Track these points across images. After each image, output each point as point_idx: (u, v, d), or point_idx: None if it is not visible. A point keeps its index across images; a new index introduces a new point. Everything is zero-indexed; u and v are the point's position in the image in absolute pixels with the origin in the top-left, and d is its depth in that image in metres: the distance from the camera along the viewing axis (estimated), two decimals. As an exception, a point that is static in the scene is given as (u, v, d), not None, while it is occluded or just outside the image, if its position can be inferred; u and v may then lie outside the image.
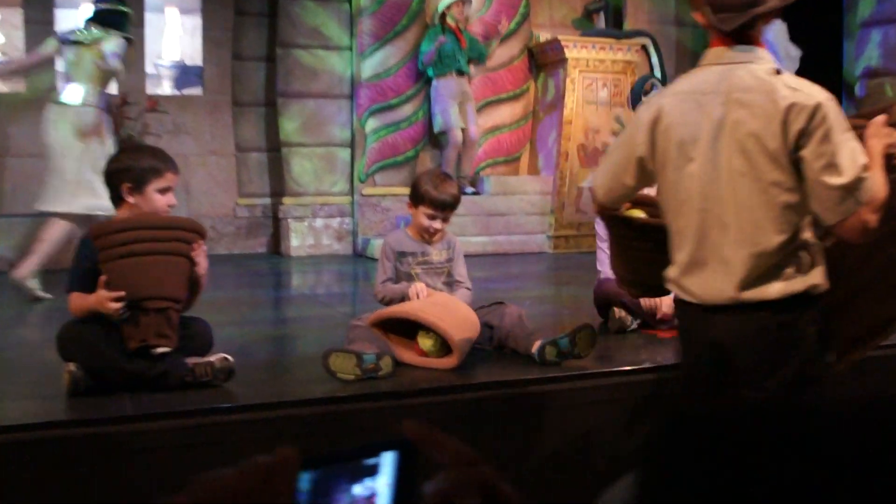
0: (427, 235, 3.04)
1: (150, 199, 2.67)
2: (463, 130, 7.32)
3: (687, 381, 2.15)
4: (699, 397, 2.02)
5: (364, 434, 2.41)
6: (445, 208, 3.00)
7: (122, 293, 2.47)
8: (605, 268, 3.58)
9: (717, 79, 2.00)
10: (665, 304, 3.38)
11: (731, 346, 1.98)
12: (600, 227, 3.59)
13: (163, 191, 2.69)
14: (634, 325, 3.45)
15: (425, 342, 2.80)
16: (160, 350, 2.50)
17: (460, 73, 7.23)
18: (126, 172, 2.67)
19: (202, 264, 2.62)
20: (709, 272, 2.00)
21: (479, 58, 7.42)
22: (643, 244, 2.37)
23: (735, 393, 2.00)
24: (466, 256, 3.26)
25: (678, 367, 2.22)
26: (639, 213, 2.42)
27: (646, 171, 2.13)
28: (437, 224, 3.01)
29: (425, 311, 2.78)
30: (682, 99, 2.04)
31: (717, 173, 1.98)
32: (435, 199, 2.99)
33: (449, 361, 2.82)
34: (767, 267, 1.95)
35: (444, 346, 2.81)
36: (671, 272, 2.10)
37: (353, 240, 7.56)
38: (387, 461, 0.60)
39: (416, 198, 3.05)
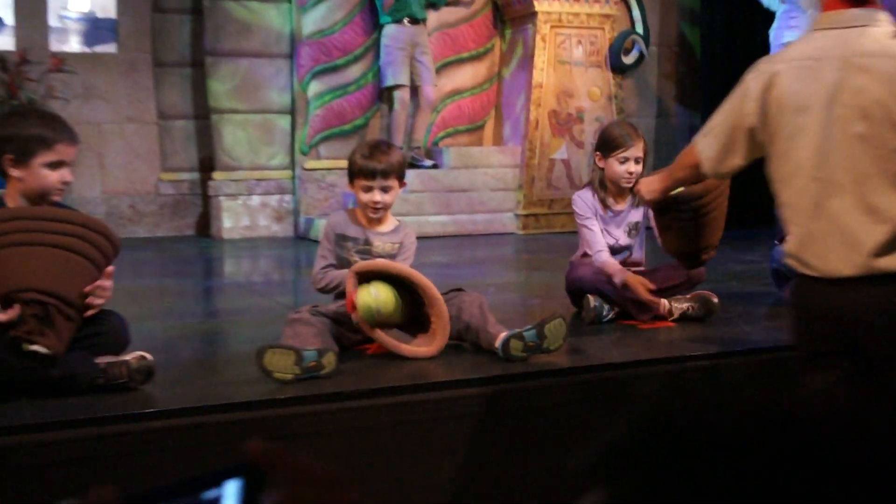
0: (371, 213, 3.03)
1: (37, 174, 2.57)
2: (415, 89, 7.29)
3: (808, 361, 2.24)
4: (823, 378, 2.12)
5: (304, 440, 2.39)
6: (376, 176, 2.98)
7: None
8: (585, 249, 3.59)
9: (832, 43, 2.11)
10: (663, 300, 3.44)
11: (862, 321, 2.09)
12: (579, 205, 3.60)
13: (53, 165, 2.58)
14: (611, 315, 3.47)
15: (365, 297, 2.76)
16: (35, 349, 2.37)
17: (414, 20, 7.15)
18: (7, 142, 2.57)
19: (105, 289, 2.52)
20: (830, 243, 2.12)
21: (436, 1, 7.37)
22: (686, 215, 2.94)
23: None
24: (423, 238, 3.25)
25: (794, 346, 2.31)
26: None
27: (755, 142, 2.27)
28: (375, 196, 3.00)
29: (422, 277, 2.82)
30: (796, 66, 2.16)
31: (833, 141, 2.09)
32: (363, 167, 2.99)
33: (427, 350, 2.85)
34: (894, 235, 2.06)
35: (386, 319, 2.80)
36: (789, 245, 2.23)
37: (294, 220, 7.51)
38: (230, 492, 0.57)
39: (350, 172, 3.05)
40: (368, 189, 3.00)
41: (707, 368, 2.95)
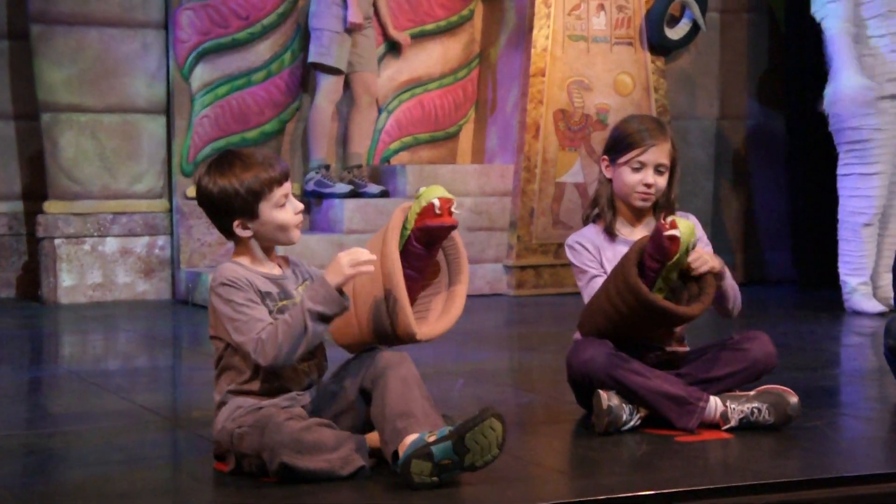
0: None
1: None
2: (353, 77, 7.39)
3: None
4: None
5: None
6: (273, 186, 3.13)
7: None
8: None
9: None
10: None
11: None
12: (577, 254, 3.64)
13: None
14: (635, 421, 3.48)
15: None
16: None
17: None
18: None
19: None
20: None
21: None
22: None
23: None
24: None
25: None
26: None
27: None
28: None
29: None
30: None
31: None
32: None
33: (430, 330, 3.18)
34: None
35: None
36: None
37: (171, 275, 7.52)
38: None
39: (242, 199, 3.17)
40: (284, 200, 3.13)
41: (783, 505, 2.98)
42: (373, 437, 3.03)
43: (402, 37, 7.80)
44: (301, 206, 3.17)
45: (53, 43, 7.27)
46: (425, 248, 3.15)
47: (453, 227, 3.15)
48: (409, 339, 3.10)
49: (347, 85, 7.41)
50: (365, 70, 7.41)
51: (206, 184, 3.09)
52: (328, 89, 7.32)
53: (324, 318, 2.95)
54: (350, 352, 3.15)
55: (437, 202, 3.08)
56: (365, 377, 3.09)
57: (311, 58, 7.35)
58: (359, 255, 2.97)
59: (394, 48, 7.85)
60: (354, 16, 7.16)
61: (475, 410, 2.90)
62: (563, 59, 7.63)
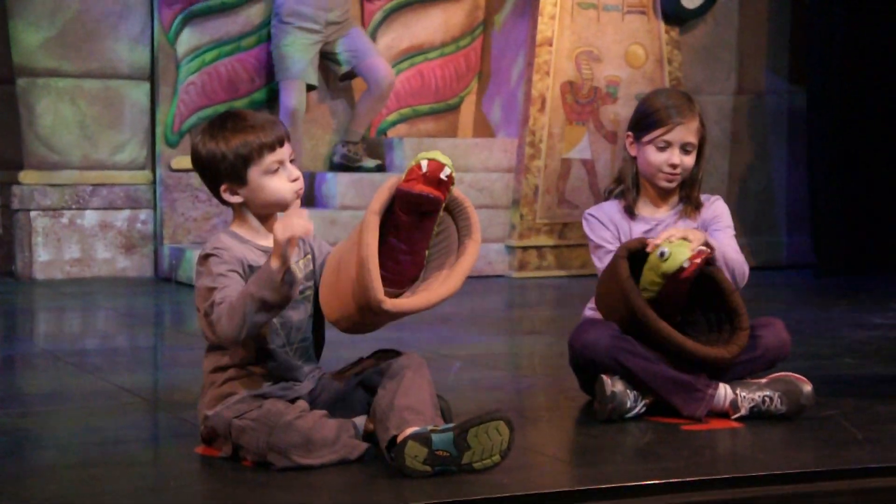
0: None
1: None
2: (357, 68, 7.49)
3: None
4: None
5: None
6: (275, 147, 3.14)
7: None
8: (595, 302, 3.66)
9: None
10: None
11: None
12: (595, 228, 3.66)
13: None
14: (641, 408, 3.51)
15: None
16: None
17: None
18: None
19: None
20: None
21: None
22: None
23: None
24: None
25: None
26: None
27: None
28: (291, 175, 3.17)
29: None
30: None
31: None
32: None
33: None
34: None
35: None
36: None
37: (153, 251, 7.55)
38: None
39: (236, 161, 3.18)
40: (276, 166, 3.14)
41: (794, 498, 3.00)
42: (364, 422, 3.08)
43: None
44: (297, 173, 3.16)
45: (30, 3, 7.26)
46: (415, 219, 2.96)
47: (437, 202, 2.94)
48: (376, 308, 2.93)
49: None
50: (370, 56, 7.49)
51: (197, 145, 3.11)
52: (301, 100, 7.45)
53: (266, 305, 2.89)
54: (339, 328, 3.08)
55: (424, 163, 2.88)
56: (373, 373, 3.11)
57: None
58: (290, 219, 2.89)
59: (389, 15, 7.86)
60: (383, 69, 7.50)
61: (472, 395, 2.92)
62: (571, 27, 7.63)
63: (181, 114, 7.47)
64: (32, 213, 7.32)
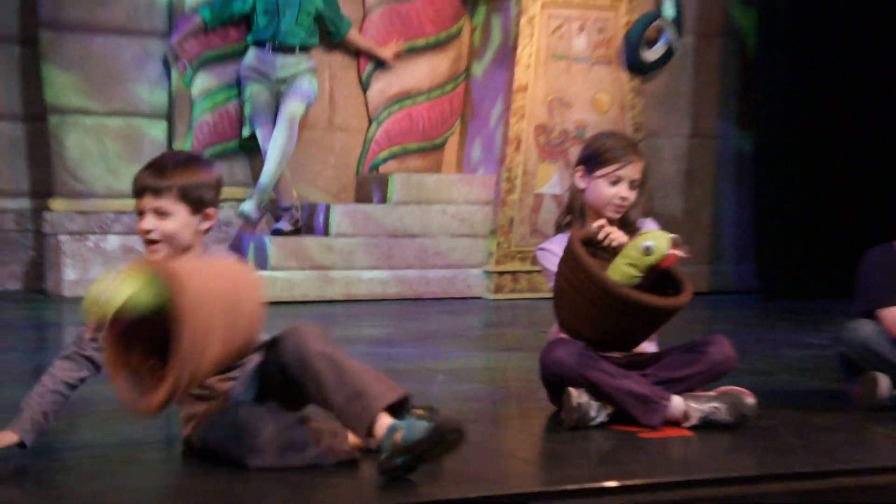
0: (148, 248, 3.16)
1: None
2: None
3: None
4: None
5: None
6: (144, 193, 3.09)
7: None
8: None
9: None
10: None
11: None
12: (549, 259, 3.69)
13: None
14: (602, 417, 3.53)
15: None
16: None
17: (281, 46, 7.30)
18: None
19: None
20: None
21: (334, 29, 7.61)
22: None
23: None
24: (353, 302, 3.32)
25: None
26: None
27: None
28: (145, 223, 3.08)
29: None
30: None
31: None
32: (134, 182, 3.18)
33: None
34: None
35: None
36: None
37: (167, 272, 7.52)
38: None
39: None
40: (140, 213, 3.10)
41: (738, 499, 3.02)
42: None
43: (389, 53, 7.83)
44: (145, 225, 3.09)
45: (62, 49, 7.28)
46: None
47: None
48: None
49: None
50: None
51: None
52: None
53: None
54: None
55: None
56: (279, 360, 2.97)
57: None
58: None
59: (383, 63, 7.89)
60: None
61: (453, 405, 2.88)
62: (545, 76, 7.66)
63: (194, 149, 7.44)
64: (61, 237, 7.31)
